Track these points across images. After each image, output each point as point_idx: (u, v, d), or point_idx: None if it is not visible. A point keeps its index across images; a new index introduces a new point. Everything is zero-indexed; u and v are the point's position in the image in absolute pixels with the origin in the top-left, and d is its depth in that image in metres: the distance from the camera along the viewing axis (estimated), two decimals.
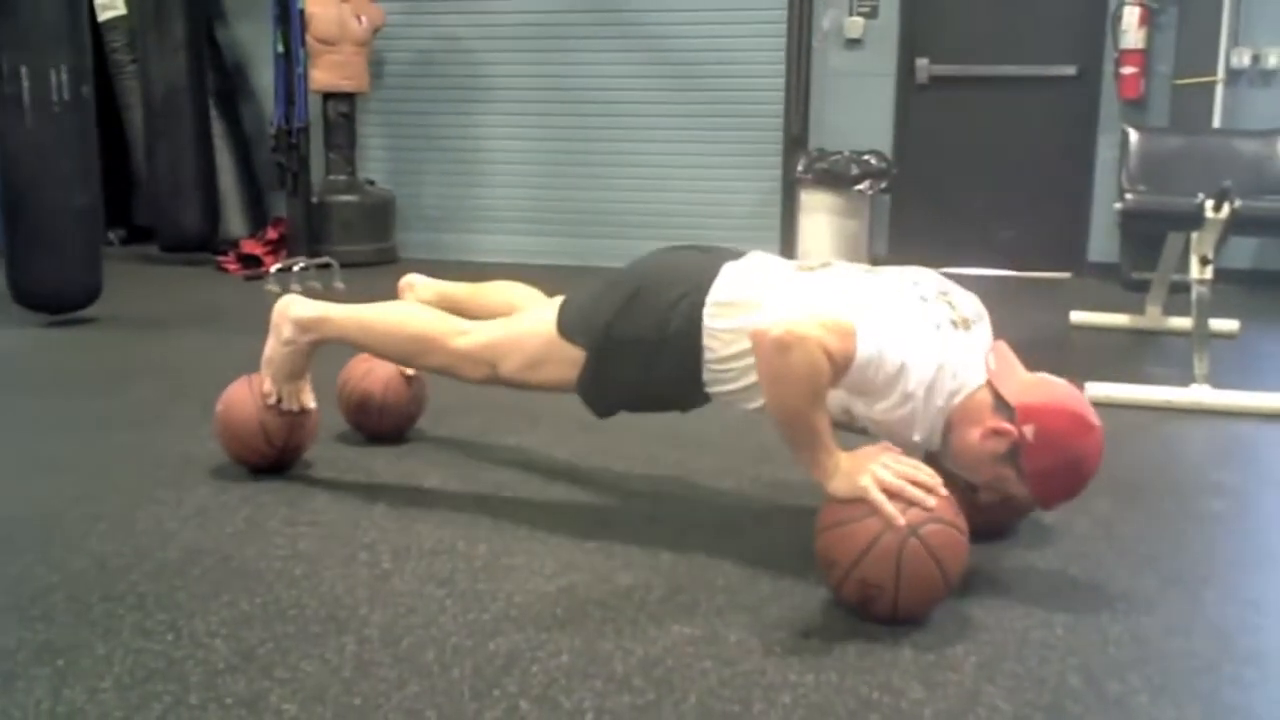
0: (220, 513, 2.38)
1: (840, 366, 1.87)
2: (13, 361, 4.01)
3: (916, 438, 1.98)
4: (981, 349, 2.03)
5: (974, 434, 1.95)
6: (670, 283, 2.20)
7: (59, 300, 4.47)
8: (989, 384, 1.97)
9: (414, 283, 2.82)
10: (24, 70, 4.18)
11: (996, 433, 1.93)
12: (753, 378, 2.05)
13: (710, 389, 2.19)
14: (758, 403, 2.09)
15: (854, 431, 2.10)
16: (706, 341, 2.13)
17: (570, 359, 2.26)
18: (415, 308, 2.56)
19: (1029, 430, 1.91)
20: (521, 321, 2.38)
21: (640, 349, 2.19)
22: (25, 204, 4.31)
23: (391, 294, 2.80)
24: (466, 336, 2.36)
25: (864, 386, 1.93)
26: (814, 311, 1.93)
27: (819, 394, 1.87)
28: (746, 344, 2.04)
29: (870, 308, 1.97)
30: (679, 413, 2.36)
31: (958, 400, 1.96)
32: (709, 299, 2.14)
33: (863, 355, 1.88)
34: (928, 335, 1.95)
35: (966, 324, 2.03)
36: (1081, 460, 1.94)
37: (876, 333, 1.90)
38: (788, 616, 1.92)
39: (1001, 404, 1.94)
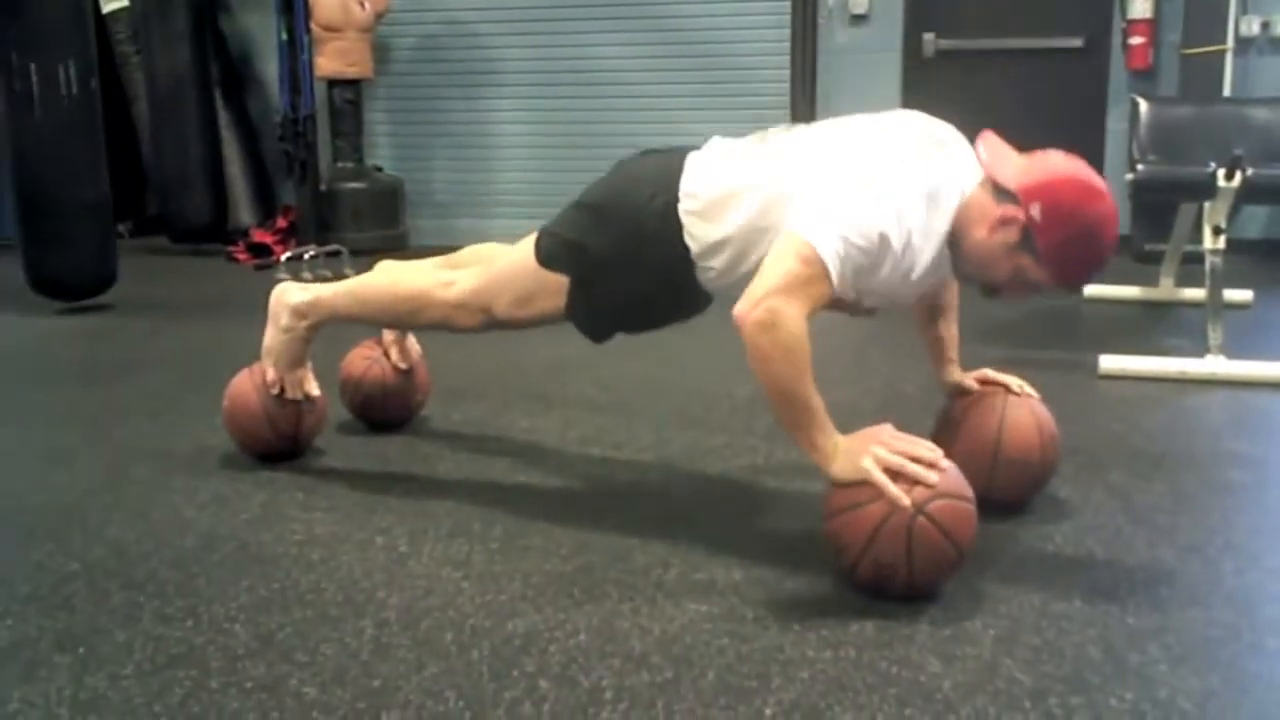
0: (236, 500, 2.38)
1: (824, 303, 1.88)
2: (25, 352, 4.03)
3: (923, 271, 1.94)
4: (965, 156, 2.01)
5: (981, 232, 1.93)
6: (638, 187, 2.18)
7: (74, 289, 4.54)
8: (985, 179, 1.95)
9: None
10: (33, 67, 4.23)
11: (1003, 221, 1.90)
12: (747, 265, 2.02)
13: (709, 287, 2.17)
14: None
15: (860, 315, 2.08)
16: (688, 240, 2.11)
17: (557, 288, 2.25)
18: (400, 268, 2.55)
19: (1035, 209, 1.88)
20: (503, 260, 2.37)
21: (621, 260, 2.17)
22: (38, 197, 4.37)
23: None
24: (454, 286, 2.36)
25: (857, 275, 1.90)
26: (777, 265, 1.88)
27: (807, 367, 1.86)
28: (730, 231, 2.05)
29: (832, 190, 1.92)
30: (681, 321, 2.33)
31: (957, 212, 1.94)
32: (681, 192, 2.11)
33: (836, 274, 1.85)
34: (900, 176, 1.92)
35: (941, 143, 2.01)
36: (1095, 226, 1.90)
37: (839, 228, 1.86)
38: (804, 593, 1.92)
39: (1003, 192, 1.92)
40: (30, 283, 4.51)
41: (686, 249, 2.12)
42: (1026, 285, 1.99)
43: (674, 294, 2.22)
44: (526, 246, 2.31)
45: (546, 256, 2.26)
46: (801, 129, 2.15)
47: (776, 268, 1.89)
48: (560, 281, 2.24)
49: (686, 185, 2.12)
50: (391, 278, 2.50)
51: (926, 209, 1.91)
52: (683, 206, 2.11)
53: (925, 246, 1.93)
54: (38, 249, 4.45)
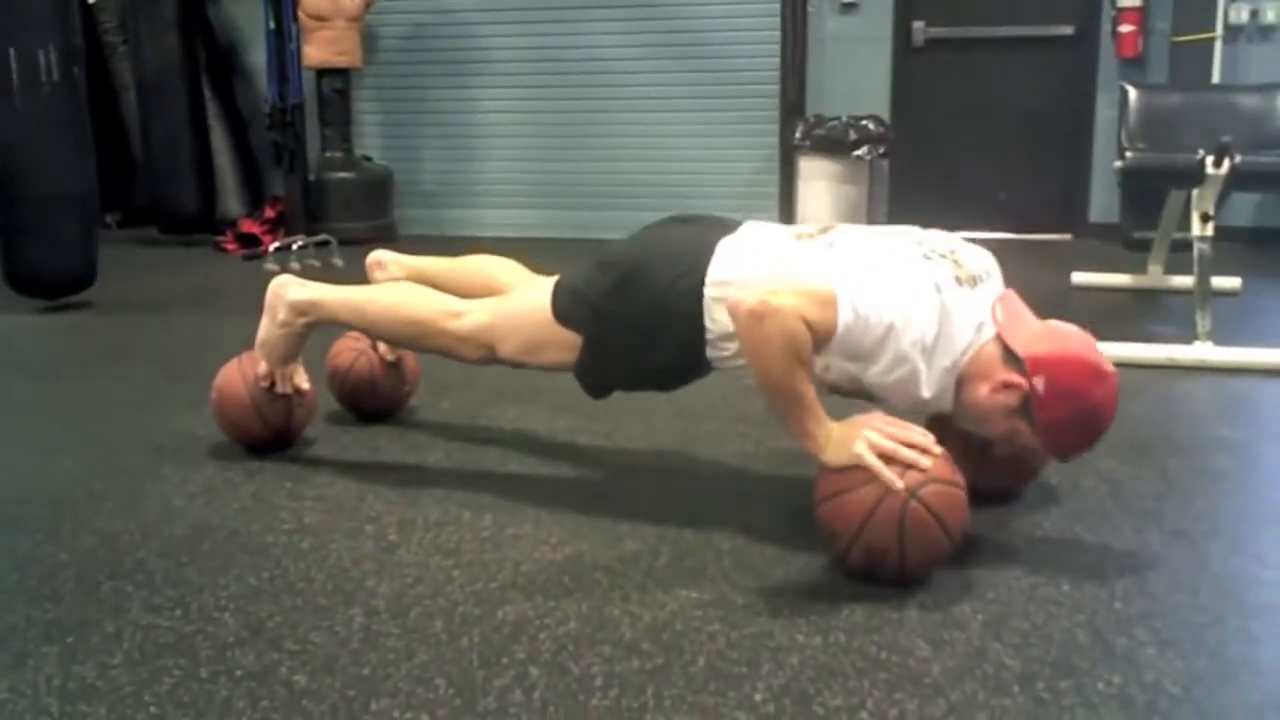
0: (225, 489, 2.38)
1: (821, 332, 1.87)
2: (11, 346, 4.01)
3: (926, 394, 1.95)
4: (992, 299, 2.02)
5: (984, 389, 1.94)
6: (665, 263, 2.16)
7: (53, 286, 4.38)
8: (998, 336, 1.96)
9: (383, 260, 2.76)
10: (12, 52, 4.09)
11: (1006, 386, 1.91)
12: None
13: (717, 365, 2.17)
14: None
15: (862, 399, 2.09)
16: (708, 323, 2.11)
17: (568, 342, 2.24)
18: (408, 290, 2.51)
19: (1039, 382, 1.89)
20: (517, 303, 2.34)
21: (639, 332, 2.17)
22: (17, 188, 4.22)
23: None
24: (462, 319, 2.33)
25: (853, 350, 1.92)
26: (792, 281, 1.92)
27: (799, 361, 1.85)
28: None
29: (859, 272, 1.95)
30: (681, 387, 2.34)
31: (967, 357, 1.94)
32: (708, 279, 2.10)
33: (844, 320, 1.87)
34: (924, 296, 1.92)
35: (973, 280, 2.01)
36: (1094, 409, 1.92)
37: (860, 296, 1.88)
38: (794, 579, 1.93)
39: (1011, 356, 1.93)
40: (6, 278, 4.33)
41: (704, 329, 2.11)
42: (1018, 446, 2.02)
43: (684, 367, 2.22)
44: (543, 295, 2.28)
45: (562, 313, 2.24)
46: (841, 231, 2.14)
47: (786, 283, 1.90)
48: (571, 338, 2.23)
49: (715, 273, 2.10)
50: (398, 299, 2.45)
51: (938, 334, 1.91)
52: (709, 292, 2.10)
53: (925, 369, 1.92)
54: (14, 242, 4.26)
